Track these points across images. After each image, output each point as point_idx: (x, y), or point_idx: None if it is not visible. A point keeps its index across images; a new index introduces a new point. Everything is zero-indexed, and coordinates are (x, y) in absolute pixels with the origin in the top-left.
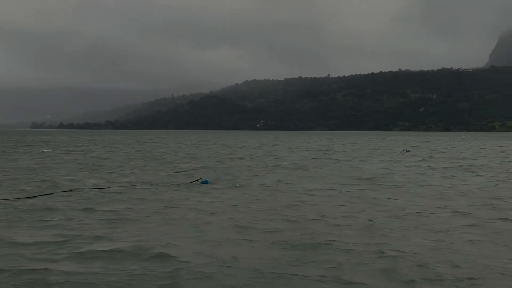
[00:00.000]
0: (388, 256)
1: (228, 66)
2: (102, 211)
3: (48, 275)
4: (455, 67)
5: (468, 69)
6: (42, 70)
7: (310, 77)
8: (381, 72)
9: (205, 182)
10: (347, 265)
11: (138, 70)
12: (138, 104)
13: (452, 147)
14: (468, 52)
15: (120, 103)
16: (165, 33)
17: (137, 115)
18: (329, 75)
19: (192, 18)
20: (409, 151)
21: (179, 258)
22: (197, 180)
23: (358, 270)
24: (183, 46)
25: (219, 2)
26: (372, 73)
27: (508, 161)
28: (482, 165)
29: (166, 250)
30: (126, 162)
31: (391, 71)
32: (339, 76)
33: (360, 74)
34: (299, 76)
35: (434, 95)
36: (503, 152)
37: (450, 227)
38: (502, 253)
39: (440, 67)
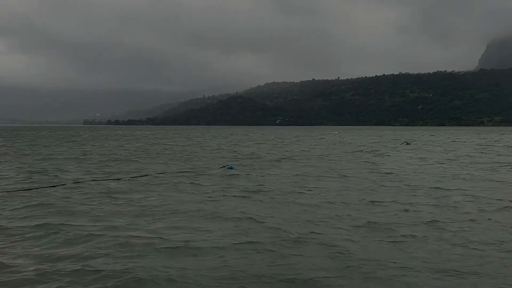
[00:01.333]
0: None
1: (251, 70)
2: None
3: None
4: (449, 70)
5: (460, 72)
6: (91, 74)
7: (322, 79)
8: (383, 74)
9: (231, 168)
10: None
11: (173, 74)
12: (174, 103)
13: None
14: (460, 57)
15: (158, 102)
16: (196, 42)
17: (173, 113)
18: (338, 77)
19: (218, 29)
20: (409, 143)
21: None
22: (224, 166)
23: None
24: (211, 53)
25: (242, 15)
26: (376, 75)
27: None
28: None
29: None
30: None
31: (392, 74)
32: (347, 79)
33: (365, 76)
34: (313, 79)
35: (430, 95)
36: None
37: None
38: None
39: (435, 70)
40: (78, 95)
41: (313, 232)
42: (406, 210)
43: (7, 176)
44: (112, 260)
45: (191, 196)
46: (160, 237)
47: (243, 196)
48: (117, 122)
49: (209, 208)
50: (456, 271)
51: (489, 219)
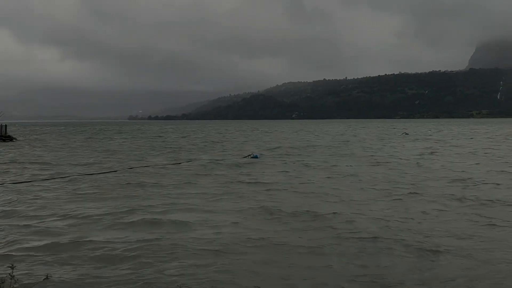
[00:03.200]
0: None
1: (270, 71)
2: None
3: None
4: (442, 69)
5: (452, 71)
6: (132, 77)
7: (332, 79)
8: (385, 74)
9: (255, 157)
10: None
11: (203, 75)
12: (204, 101)
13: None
14: (452, 58)
15: (191, 100)
16: (222, 47)
17: (204, 110)
18: (346, 77)
19: (241, 35)
20: (408, 133)
21: None
22: (249, 155)
23: None
24: (236, 57)
25: (261, 22)
26: (379, 75)
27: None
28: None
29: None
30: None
31: (393, 74)
32: (354, 78)
33: (369, 76)
34: (324, 79)
35: (426, 91)
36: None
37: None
38: None
39: (431, 70)
40: (122, 95)
41: None
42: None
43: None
44: None
45: None
46: None
47: None
48: (156, 118)
49: None
50: None
51: None
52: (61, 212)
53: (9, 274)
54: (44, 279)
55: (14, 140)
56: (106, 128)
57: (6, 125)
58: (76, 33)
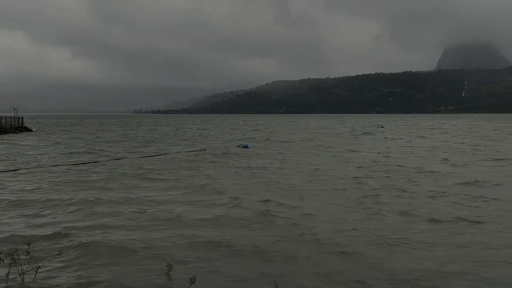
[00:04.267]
0: None
1: (261, 70)
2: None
3: None
4: (414, 70)
5: (422, 72)
6: (137, 75)
7: (316, 78)
8: (363, 74)
9: (246, 147)
10: None
11: (200, 74)
12: (202, 97)
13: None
14: (423, 59)
15: (189, 96)
16: (219, 48)
17: (202, 104)
18: (328, 76)
19: (236, 38)
20: (383, 126)
21: None
22: (240, 145)
23: None
24: (231, 57)
25: (254, 26)
26: (357, 75)
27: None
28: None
29: None
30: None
31: (370, 73)
32: (335, 77)
33: (349, 76)
34: (309, 77)
35: (399, 89)
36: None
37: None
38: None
39: (404, 70)
40: (127, 91)
41: None
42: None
43: None
44: None
45: None
46: None
47: None
48: (158, 112)
49: None
50: None
51: None
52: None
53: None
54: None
55: (30, 131)
56: (141, 121)
57: (23, 117)
58: (85, 34)
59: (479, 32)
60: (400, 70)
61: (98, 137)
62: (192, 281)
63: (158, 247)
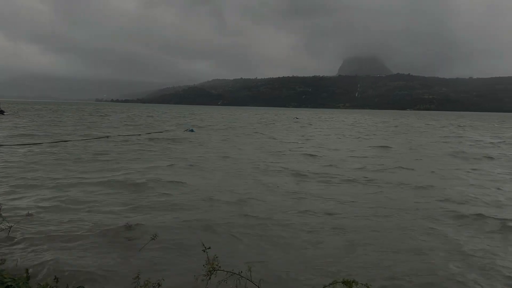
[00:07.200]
0: None
1: (203, 70)
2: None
3: None
4: (321, 75)
5: (327, 76)
6: (98, 69)
7: (247, 78)
8: (283, 76)
9: (192, 131)
10: None
11: (153, 70)
12: (154, 90)
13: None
14: (327, 67)
15: (143, 89)
16: (167, 50)
17: (154, 96)
18: (256, 77)
19: (181, 42)
20: (297, 118)
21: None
22: (187, 129)
23: None
24: (178, 58)
25: (196, 33)
26: (279, 76)
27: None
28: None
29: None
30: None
31: (288, 76)
32: (262, 78)
33: (272, 77)
34: (241, 77)
35: (310, 89)
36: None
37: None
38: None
39: (313, 75)
40: (90, 82)
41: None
42: None
43: None
44: None
45: None
46: None
47: None
48: (117, 101)
49: None
50: None
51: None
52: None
53: None
54: None
55: (4, 113)
56: (99, 108)
57: None
58: (53, 33)
59: (369, 48)
60: (310, 74)
61: (54, 121)
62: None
63: None
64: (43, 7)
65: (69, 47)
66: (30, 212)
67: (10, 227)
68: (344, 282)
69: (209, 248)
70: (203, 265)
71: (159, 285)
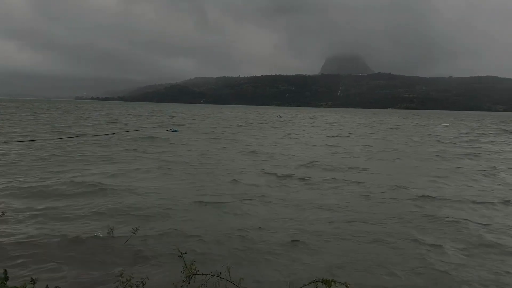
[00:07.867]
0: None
1: (185, 67)
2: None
3: None
4: (304, 73)
5: (310, 75)
6: (78, 66)
7: (229, 76)
8: (266, 75)
9: (175, 131)
10: None
11: (134, 68)
12: (135, 88)
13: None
14: (310, 66)
15: (125, 86)
16: (148, 47)
17: (135, 94)
18: (239, 75)
19: (162, 40)
20: (281, 116)
21: None
22: (170, 129)
23: None
24: (159, 55)
25: (177, 31)
26: (261, 75)
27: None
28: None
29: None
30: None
31: (271, 74)
32: (245, 76)
33: (255, 75)
34: (223, 75)
35: (293, 88)
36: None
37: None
38: None
39: (296, 73)
40: (69, 80)
41: None
42: None
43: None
44: None
45: None
46: None
47: None
48: (97, 99)
49: None
50: None
51: None
52: None
53: None
54: None
55: None
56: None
57: None
58: (30, 30)
59: (351, 46)
60: (293, 73)
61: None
62: None
63: None
64: (20, 1)
65: (47, 44)
66: None
67: None
68: (323, 282)
69: (185, 253)
70: (181, 271)
71: (143, 283)
